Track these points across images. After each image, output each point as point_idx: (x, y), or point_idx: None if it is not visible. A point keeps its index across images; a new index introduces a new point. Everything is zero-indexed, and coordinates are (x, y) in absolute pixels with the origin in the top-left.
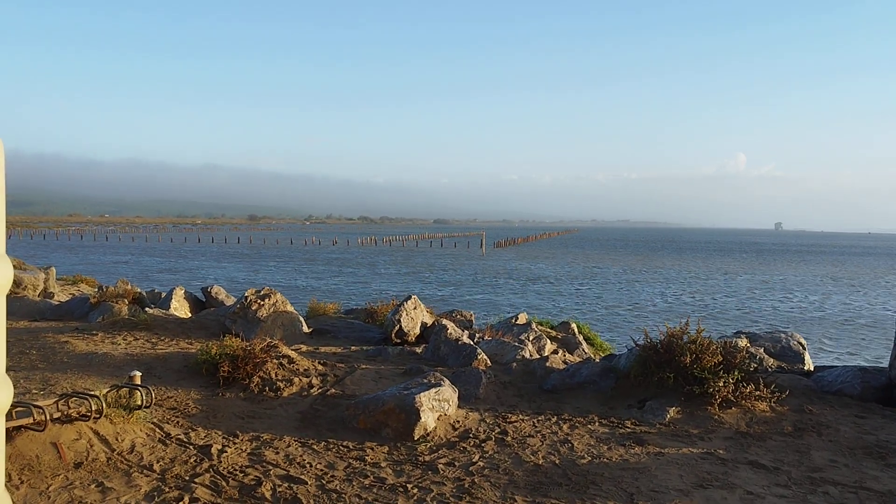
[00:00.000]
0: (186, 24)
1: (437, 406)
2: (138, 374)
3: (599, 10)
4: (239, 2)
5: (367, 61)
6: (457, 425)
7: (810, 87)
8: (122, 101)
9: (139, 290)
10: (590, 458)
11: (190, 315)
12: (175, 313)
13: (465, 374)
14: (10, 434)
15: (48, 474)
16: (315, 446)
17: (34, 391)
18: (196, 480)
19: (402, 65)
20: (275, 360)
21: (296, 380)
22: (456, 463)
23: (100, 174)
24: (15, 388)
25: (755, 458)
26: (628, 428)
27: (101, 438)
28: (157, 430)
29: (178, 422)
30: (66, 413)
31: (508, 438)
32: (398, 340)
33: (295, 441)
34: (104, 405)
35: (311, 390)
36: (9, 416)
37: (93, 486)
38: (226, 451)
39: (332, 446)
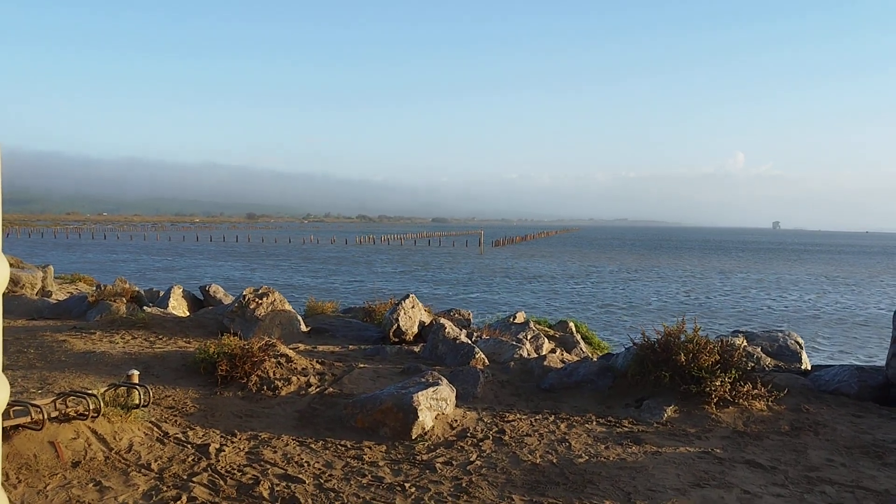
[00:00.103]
0: (186, 24)
1: (435, 405)
2: (136, 372)
3: (599, 10)
4: (239, 2)
5: (367, 61)
6: (454, 424)
7: (809, 87)
8: (121, 100)
9: (137, 288)
10: (587, 458)
11: (188, 314)
12: (173, 312)
13: (462, 373)
14: (8, 433)
15: (46, 473)
16: (313, 445)
17: (32, 390)
18: (194, 479)
19: (402, 65)
20: (273, 359)
21: (294, 379)
22: (453, 462)
23: (98, 172)
24: (12, 386)
25: (752, 457)
26: (625, 427)
27: (99, 437)
28: (155, 429)
29: (176, 421)
30: (63, 412)
31: (506, 437)
32: (396, 339)
33: (293, 440)
34: (102, 404)
35: (309, 389)
36: (6, 415)
37: (90, 485)
38: (224, 450)
39: (329, 445)
